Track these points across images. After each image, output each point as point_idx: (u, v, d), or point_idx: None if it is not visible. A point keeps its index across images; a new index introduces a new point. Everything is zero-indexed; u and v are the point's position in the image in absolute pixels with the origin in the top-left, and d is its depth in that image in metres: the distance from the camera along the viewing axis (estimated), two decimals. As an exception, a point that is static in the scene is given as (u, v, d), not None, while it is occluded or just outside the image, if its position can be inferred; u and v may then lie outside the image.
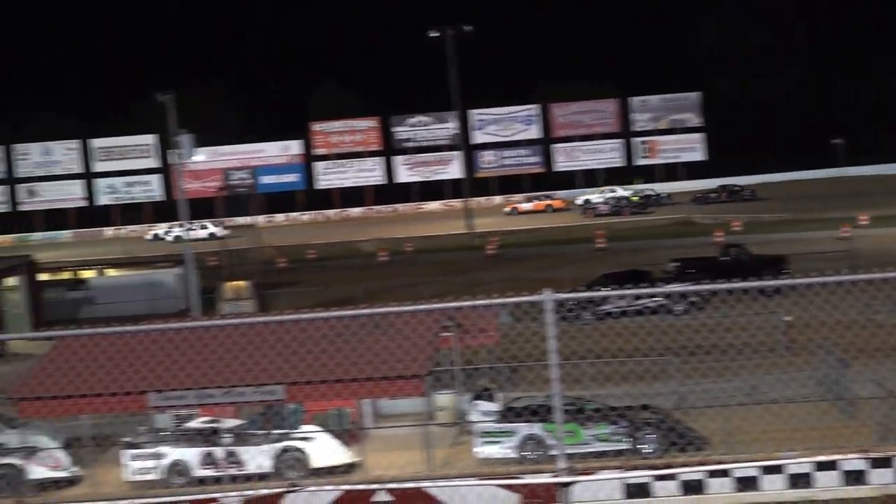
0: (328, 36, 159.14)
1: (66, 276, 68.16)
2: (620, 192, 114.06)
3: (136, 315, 55.60)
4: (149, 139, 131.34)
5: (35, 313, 58.70)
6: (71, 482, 30.06)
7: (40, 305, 59.93)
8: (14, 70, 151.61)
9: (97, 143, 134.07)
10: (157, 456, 29.33)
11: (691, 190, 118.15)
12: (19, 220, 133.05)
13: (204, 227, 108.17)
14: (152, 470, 29.23)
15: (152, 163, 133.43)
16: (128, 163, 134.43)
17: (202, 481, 28.48)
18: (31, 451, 30.60)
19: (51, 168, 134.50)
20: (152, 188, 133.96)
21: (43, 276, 64.04)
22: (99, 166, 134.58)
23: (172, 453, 29.49)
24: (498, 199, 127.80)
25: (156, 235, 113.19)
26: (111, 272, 69.51)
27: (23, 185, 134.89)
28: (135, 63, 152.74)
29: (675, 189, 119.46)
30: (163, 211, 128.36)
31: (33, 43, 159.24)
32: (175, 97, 58.89)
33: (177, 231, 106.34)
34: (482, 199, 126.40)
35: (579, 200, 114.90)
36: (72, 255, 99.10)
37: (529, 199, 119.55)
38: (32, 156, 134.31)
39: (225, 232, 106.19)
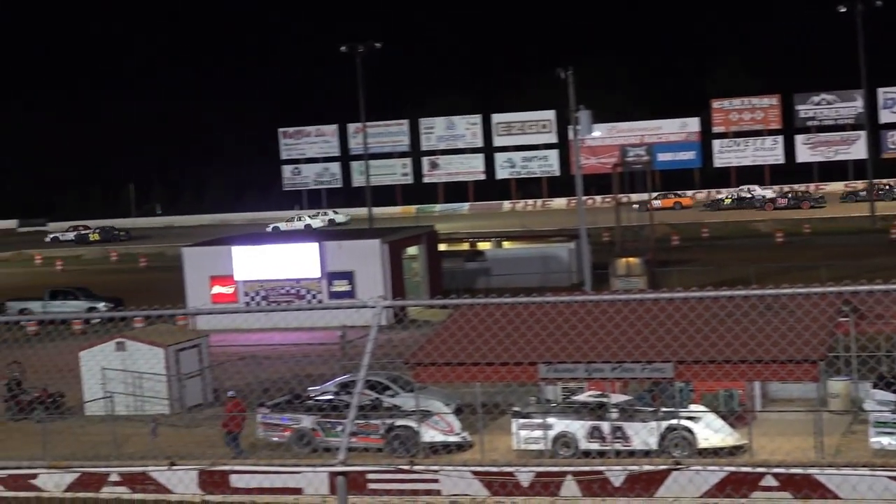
0: (730, 11, 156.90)
1: (464, 247, 70.06)
2: (758, 190, 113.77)
3: (530, 287, 56.54)
4: (548, 115, 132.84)
5: (433, 282, 60.60)
6: (460, 447, 30.93)
7: (439, 274, 61.79)
8: (419, 50, 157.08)
9: (497, 118, 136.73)
10: (545, 427, 29.76)
11: None
12: (422, 191, 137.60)
13: (325, 215, 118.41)
14: (539, 440, 29.69)
15: (550, 138, 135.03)
16: (526, 138, 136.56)
17: (586, 454, 28.71)
18: (425, 415, 31.68)
19: (453, 142, 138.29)
20: (550, 163, 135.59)
21: (442, 247, 65.99)
22: (498, 141, 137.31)
23: (559, 425, 29.87)
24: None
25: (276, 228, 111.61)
26: (507, 244, 70.93)
27: (427, 157, 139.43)
28: (538, 39, 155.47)
29: None
30: (558, 185, 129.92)
31: (443, 24, 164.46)
32: (575, 73, 59.38)
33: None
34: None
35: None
36: (470, 227, 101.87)
37: (658, 197, 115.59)
38: (436, 130, 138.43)
39: (342, 220, 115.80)
